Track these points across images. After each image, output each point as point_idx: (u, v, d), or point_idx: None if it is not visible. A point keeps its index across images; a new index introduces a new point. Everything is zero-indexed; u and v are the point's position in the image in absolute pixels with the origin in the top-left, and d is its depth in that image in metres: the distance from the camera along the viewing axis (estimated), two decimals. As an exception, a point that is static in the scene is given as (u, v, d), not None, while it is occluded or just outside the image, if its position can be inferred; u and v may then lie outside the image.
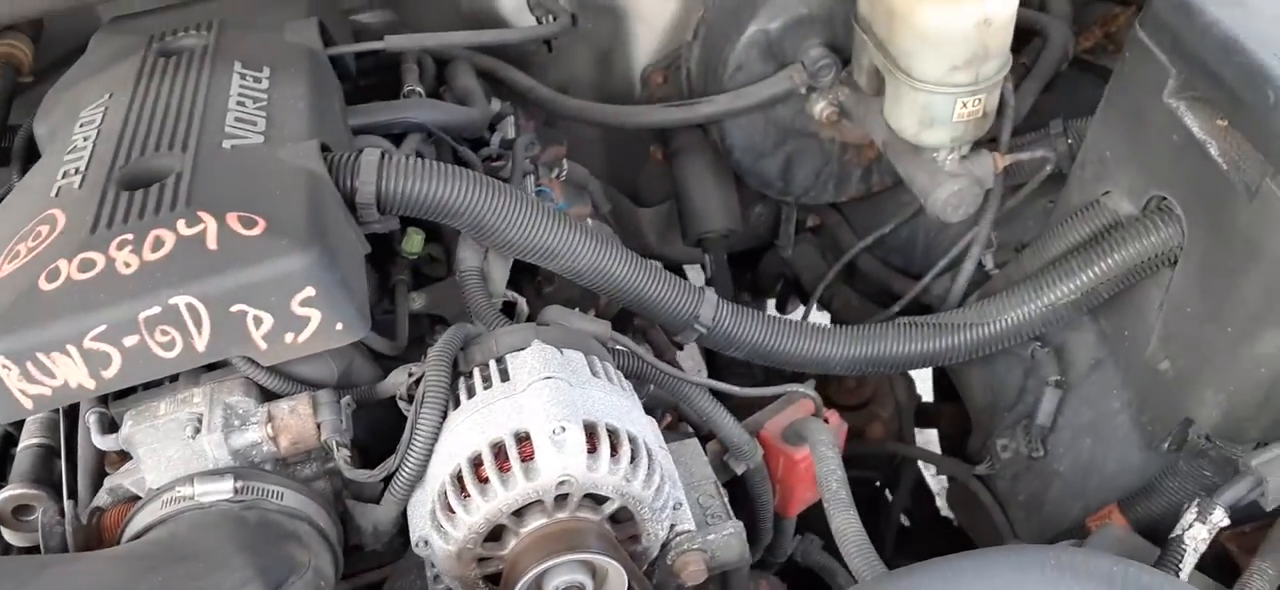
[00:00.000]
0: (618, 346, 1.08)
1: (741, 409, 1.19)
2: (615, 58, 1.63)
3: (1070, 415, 1.31)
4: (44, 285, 0.89)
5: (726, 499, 1.05)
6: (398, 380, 0.98)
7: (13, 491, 1.05)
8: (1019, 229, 1.45)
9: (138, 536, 0.87)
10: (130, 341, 0.88)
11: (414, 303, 1.18)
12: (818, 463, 1.07)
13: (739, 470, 1.15)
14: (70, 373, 0.88)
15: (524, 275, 1.29)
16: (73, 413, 1.04)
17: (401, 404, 0.98)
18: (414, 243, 1.18)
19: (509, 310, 1.16)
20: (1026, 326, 1.22)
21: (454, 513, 0.88)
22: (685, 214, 1.64)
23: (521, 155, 1.36)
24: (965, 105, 1.22)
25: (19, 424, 1.15)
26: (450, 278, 1.22)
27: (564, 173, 1.51)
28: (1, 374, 0.87)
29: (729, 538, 0.97)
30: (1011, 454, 1.34)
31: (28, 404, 0.89)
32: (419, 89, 1.40)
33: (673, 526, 0.96)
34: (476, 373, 0.96)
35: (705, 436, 1.15)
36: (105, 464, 1.01)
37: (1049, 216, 1.39)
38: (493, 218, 1.06)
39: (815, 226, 1.82)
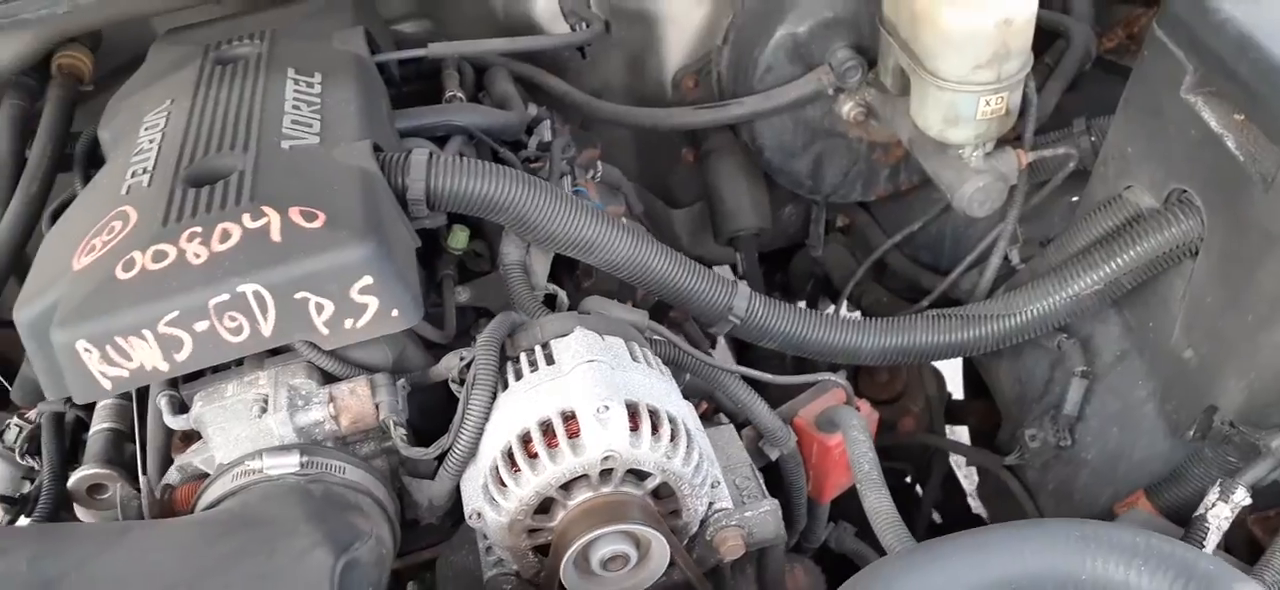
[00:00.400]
0: (655, 335, 1.13)
1: (774, 398, 1.23)
2: (647, 62, 1.68)
3: (1097, 405, 1.34)
4: (120, 274, 0.94)
5: (762, 481, 1.09)
6: (450, 364, 1.04)
7: (87, 471, 1.11)
8: (1044, 225, 1.48)
9: (211, 506, 0.92)
10: (201, 327, 0.93)
11: (460, 296, 1.23)
12: (850, 446, 1.10)
13: (773, 456, 1.19)
14: (145, 356, 0.94)
15: (563, 270, 1.34)
16: (143, 398, 1.10)
17: (453, 386, 1.03)
18: (459, 239, 1.24)
19: (550, 302, 1.20)
20: (1052, 317, 1.26)
21: (505, 486, 0.92)
22: (717, 213, 1.68)
23: (558, 157, 1.41)
24: (988, 103, 1.26)
25: (89, 410, 1.22)
26: (493, 272, 1.27)
27: (599, 174, 1.56)
28: (83, 357, 0.93)
29: (765, 515, 1.01)
30: (1040, 444, 1.37)
31: (107, 385, 0.95)
32: (460, 94, 1.45)
33: (711, 504, 1.00)
34: (523, 357, 1.01)
35: (740, 424, 1.20)
36: (171, 446, 1.08)
37: (1073, 213, 1.42)
38: (535, 213, 1.12)
39: (844, 226, 1.86)
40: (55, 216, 1.53)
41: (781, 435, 1.17)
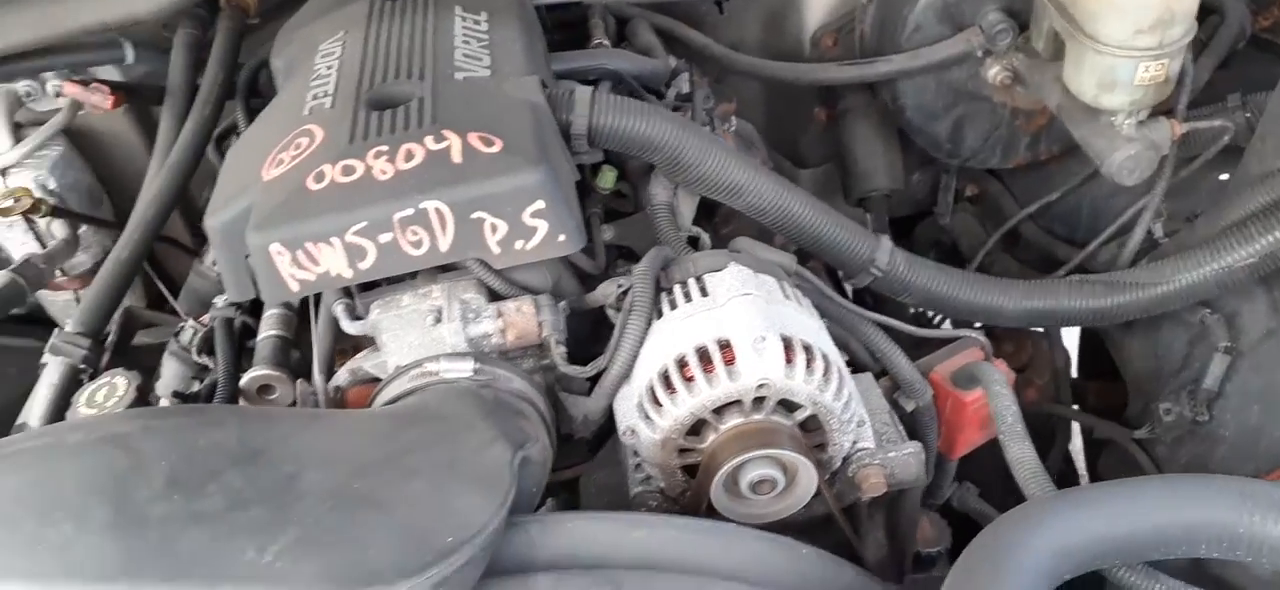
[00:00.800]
0: (800, 280, 1.15)
1: (907, 353, 1.24)
2: (786, 20, 1.70)
3: (1239, 382, 1.32)
4: (311, 185, 1.01)
5: (902, 428, 1.11)
6: (607, 291, 1.08)
7: (258, 373, 1.19)
8: (1189, 201, 1.45)
9: (390, 403, 0.99)
10: (385, 238, 0.99)
11: (604, 234, 1.28)
12: (993, 399, 1.11)
13: (908, 408, 1.20)
14: (332, 262, 1.00)
15: (703, 215, 1.37)
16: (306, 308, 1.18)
17: (609, 312, 1.07)
18: (607, 178, 1.28)
19: (693, 243, 1.24)
20: (1200, 288, 1.24)
21: (661, 406, 0.97)
22: (850, 173, 1.69)
23: (701, 106, 1.45)
24: (1147, 69, 1.24)
25: (254, 317, 1.31)
26: (636, 214, 1.32)
27: (734, 127, 1.58)
28: (276, 259, 1.00)
29: (908, 457, 1.03)
30: (1175, 418, 1.36)
31: (294, 287, 1.02)
32: (605, 41, 1.50)
33: (855, 442, 1.03)
34: (677, 289, 1.04)
35: (876, 374, 1.22)
36: (335, 355, 1.15)
37: (1220, 191, 1.39)
38: (689, 154, 1.15)
39: (973, 195, 1.85)
40: (219, 141, 1.64)
41: (919, 387, 1.18)
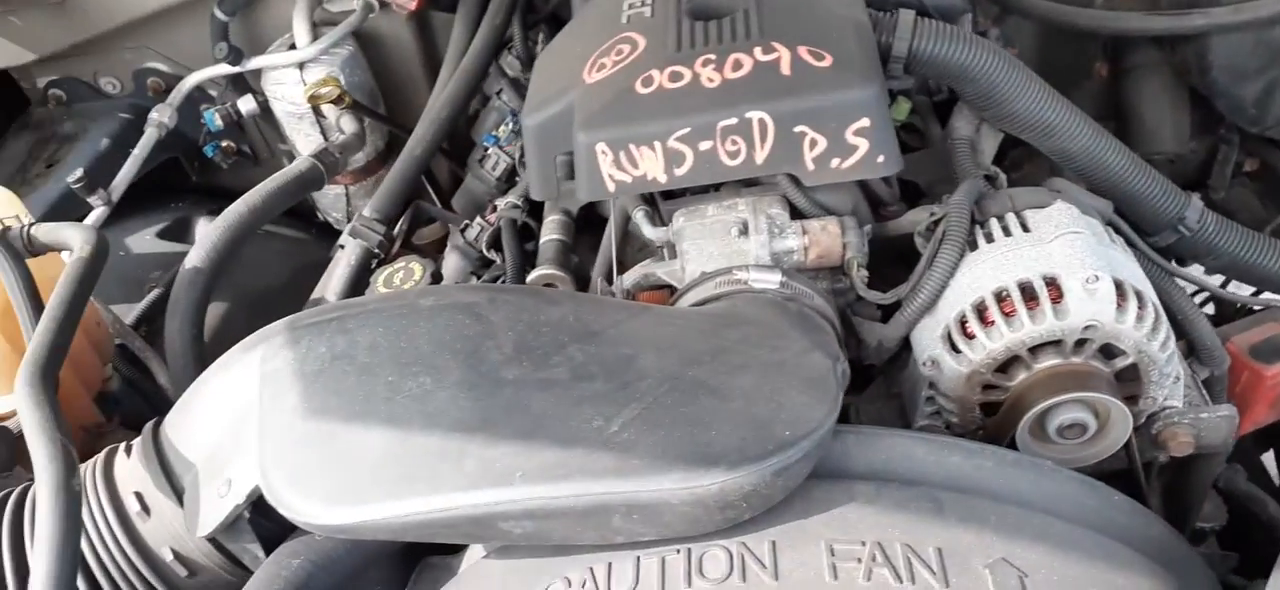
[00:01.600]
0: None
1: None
2: (1077, -34, 1.62)
3: None
4: (639, 89, 1.05)
5: (1204, 392, 1.06)
6: (917, 218, 1.08)
7: (544, 271, 1.26)
8: None
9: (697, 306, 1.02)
10: (705, 146, 1.02)
11: (890, 166, 1.27)
12: (1317, 371, 1.05)
13: (1202, 375, 1.15)
14: (650, 166, 1.04)
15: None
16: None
17: (918, 241, 1.06)
18: (901, 110, 1.27)
19: (990, 182, 1.21)
20: None
21: (974, 338, 0.96)
22: (1133, 133, 1.61)
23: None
24: None
25: (535, 218, 1.38)
26: (922, 149, 1.30)
27: (1012, 75, 1.53)
28: (599, 158, 1.05)
29: (1220, 420, 0.99)
30: None
31: (611, 187, 1.06)
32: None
33: (1166, 398, 0.99)
34: (994, 223, 1.02)
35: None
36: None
37: None
38: (1006, 88, 1.12)
39: (1253, 170, 1.73)
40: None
41: (1218, 355, 1.12)
